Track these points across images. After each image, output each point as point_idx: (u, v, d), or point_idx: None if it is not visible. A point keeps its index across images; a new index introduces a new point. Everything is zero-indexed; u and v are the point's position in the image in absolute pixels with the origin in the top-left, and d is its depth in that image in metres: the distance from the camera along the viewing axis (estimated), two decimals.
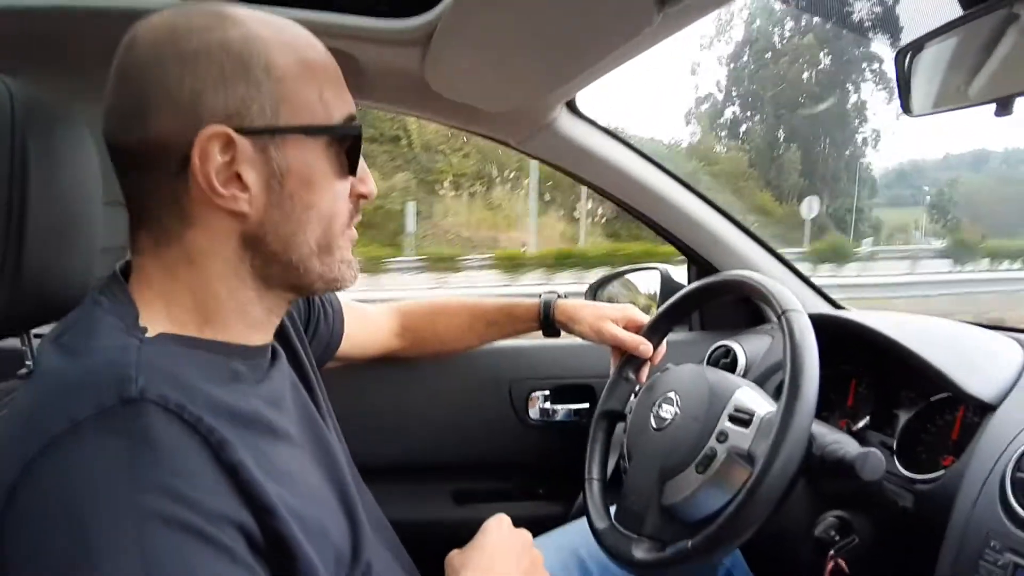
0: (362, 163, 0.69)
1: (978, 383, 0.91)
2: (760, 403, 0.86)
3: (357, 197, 0.70)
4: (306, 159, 0.63)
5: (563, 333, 1.22)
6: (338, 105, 0.65)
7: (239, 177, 0.60)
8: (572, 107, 1.28)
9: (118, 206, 0.64)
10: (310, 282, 0.68)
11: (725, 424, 0.85)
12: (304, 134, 0.62)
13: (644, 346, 1.08)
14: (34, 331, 0.79)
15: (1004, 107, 0.68)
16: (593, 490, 1.02)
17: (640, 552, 0.86)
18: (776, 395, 0.85)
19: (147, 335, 0.59)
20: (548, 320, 1.19)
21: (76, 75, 1.03)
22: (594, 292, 1.71)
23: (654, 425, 0.93)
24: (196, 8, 0.61)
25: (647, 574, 0.88)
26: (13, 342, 0.77)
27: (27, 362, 0.80)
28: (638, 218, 1.47)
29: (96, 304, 0.61)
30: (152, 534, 0.48)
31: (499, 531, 0.80)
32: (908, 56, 0.80)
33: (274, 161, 0.61)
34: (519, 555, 0.78)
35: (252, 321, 0.67)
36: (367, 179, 0.70)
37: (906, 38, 0.79)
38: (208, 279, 0.63)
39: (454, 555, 0.78)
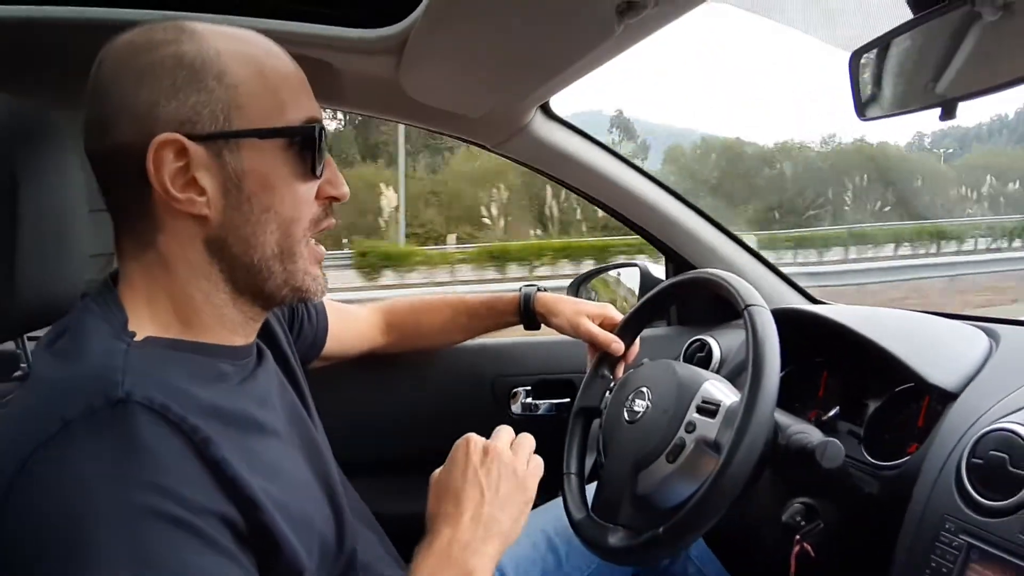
0: (332, 165, 0.70)
1: (940, 372, 0.94)
2: (726, 394, 0.90)
3: (327, 200, 0.71)
4: (262, 162, 0.64)
5: (543, 327, 1.24)
6: (297, 108, 0.67)
7: (196, 182, 0.63)
8: (546, 110, 1.30)
9: (104, 213, 0.67)
10: (276, 288, 0.69)
11: (693, 415, 0.88)
12: (258, 137, 0.64)
13: (616, 344, 1.11)
14: (27, 335, 0.81)
15: (948, 111, 0.70)
16: (571, 484, 1.05)
17: (615, 540, 0.89)
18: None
19: (135, 339, 0.62)
20: (528, 312, 1.22)
21: (59, 86, 1.05)
22: (576, 288, 1.73)
23: (627, 418, 0.96)
24: (159, 25, 0.64)
25: (622, 561, 0.91)
26: (8, 346, 0.79)
27: (22, 364, 0.83)
28: (614, 216, 1.50)
29: (87, 310, 0.64)
30: (141, 528, 0.51)
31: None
32: (863, 58, 0.81)
33: (229, 165, 0.63)
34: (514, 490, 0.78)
35: (229, 323, 0.69)
36: (336, 180, 0.71)
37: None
38: (182, 282, 0.66)
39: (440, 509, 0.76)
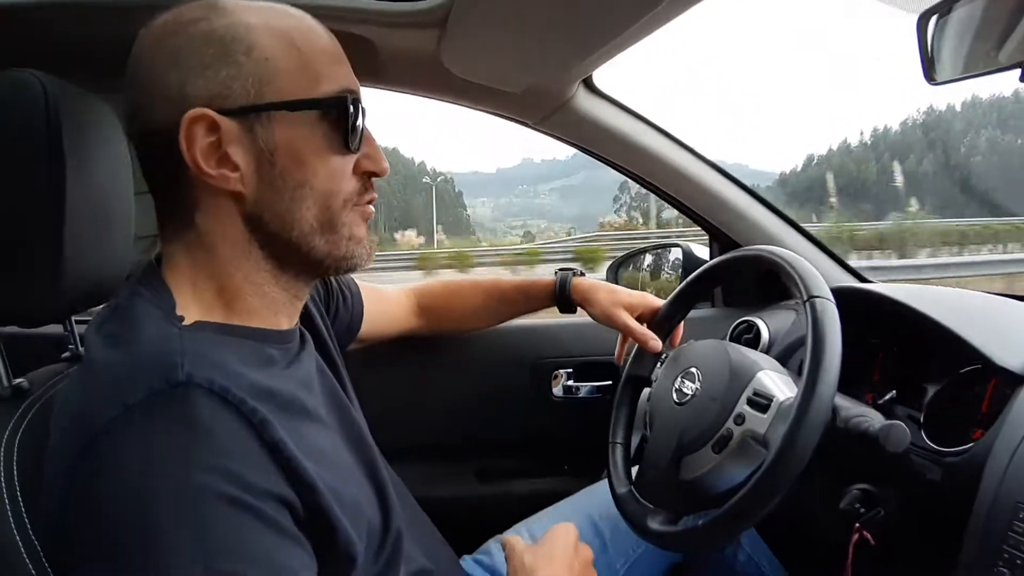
0: (370, 139, 0.69)
1: (1009, 354, 0.89)
2: (780, 388, 0.86)
3: (365, 174, 0.70)
4: (294, 135, 0.63)
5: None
6: (331, 80, 0.65)
7: (229, 158, 0.62)
8: (589, 85, 1.27)
9: (149, 195, 0.67)
10: (318, 260, 0.68)
11: (743, 407, 0.85)
12: (288, 109, 0.62)
13: (653, 342, 1.08)
14: (75, 317, 0.82)
15: None
16: (616, 454, 1.03)
17: (655, 523, 0.88)
18: (799, 371, 0.84)
19: (184, 323, 0.62)
20: (565, 297, 1.20)
21: (107, 70, 1.05)
22: (615, 272, 1.70)
23: (675, 399, 0.94)
24: (189, 4, 0.64)
25: (661, 545, 0.89)
26: (55, 327, 0.80)
27: (69, 345, 0.84)
28: (660, 195, 1.46)
29: (136, 294, 0.64)
30: (206, 509, 0.51)
31: (566, 540, 0.85)
32: (931, 21, 0.78)
33: (260, 139, 0.62)
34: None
35: (273, 303, 0.69)
36: (374, 155, 0.70)
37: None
38: (224, 262, 0.65)
39: (523, 550, 0.82)
